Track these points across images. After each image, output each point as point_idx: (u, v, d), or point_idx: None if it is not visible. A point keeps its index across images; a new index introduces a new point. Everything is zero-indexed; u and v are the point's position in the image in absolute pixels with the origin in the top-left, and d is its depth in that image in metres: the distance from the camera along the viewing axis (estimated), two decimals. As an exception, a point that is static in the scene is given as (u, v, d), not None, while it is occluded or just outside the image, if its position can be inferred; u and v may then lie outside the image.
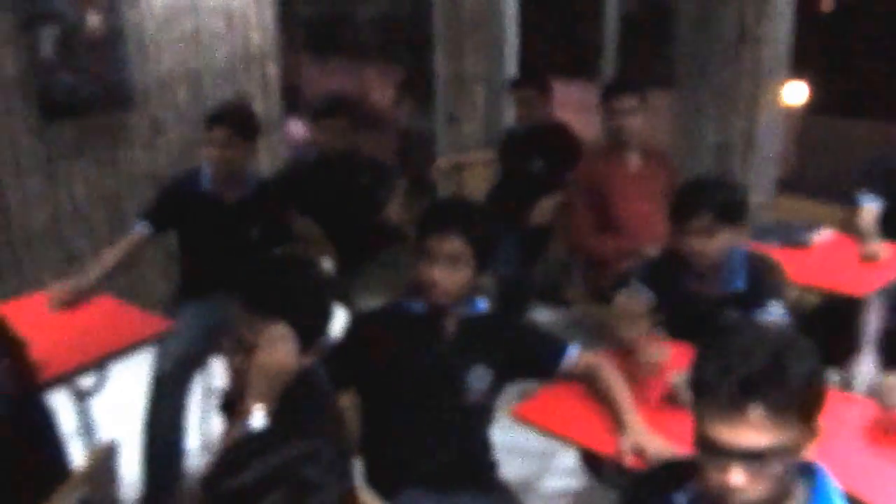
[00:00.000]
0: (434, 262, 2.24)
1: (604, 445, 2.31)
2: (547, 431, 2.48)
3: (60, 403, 2.60)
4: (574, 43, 4.86)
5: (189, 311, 3.43)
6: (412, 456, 2.38)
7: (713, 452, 1.46)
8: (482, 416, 2.48)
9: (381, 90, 5.41)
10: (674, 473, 1.64)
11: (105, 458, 2.35)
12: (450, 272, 2.25)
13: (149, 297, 4.79)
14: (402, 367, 2.34)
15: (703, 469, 1.49)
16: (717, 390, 1.44)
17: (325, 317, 2.01)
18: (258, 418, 1.81)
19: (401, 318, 2.38)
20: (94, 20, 4.29)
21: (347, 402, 2.65)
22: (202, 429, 3.71)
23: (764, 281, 2.76)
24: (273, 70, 5.21)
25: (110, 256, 3.46)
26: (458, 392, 2.36)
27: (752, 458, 1.42)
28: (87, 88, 4.33)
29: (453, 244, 2.24)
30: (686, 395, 2.38)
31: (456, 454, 2.42)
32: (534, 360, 2.49)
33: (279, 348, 1.86)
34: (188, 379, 3.31)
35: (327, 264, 3.69)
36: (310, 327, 1.92)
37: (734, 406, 1.42)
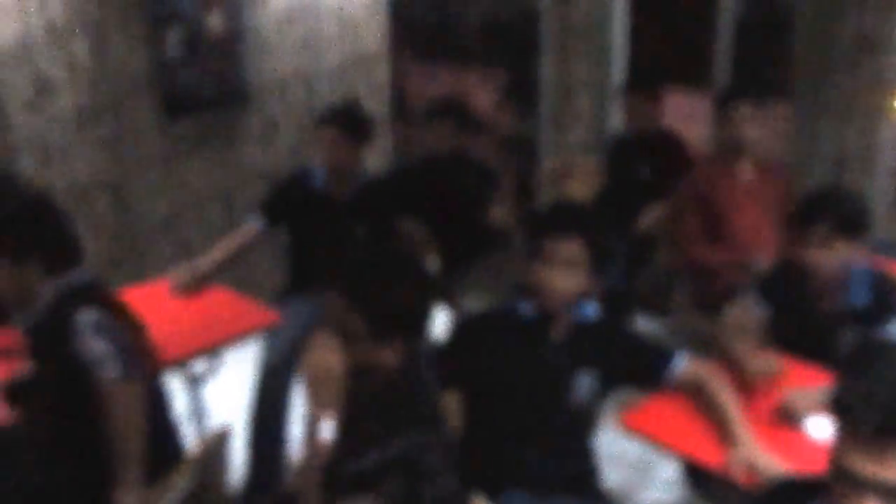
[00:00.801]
0: (550, 266, 2.23)
1: (711, 458, 2.27)
2: (653, 441, 2.46)
3: (173, 387, 2.70)
4: (685, 50, 4.77)
5: (296, 304, 3.51)
6: (514, 458, 2.38)
7: (851, 483, 1.39)
8: (586, 422, 2.47)
9: (483, 94, 5.43)
10: (797, 495, 1.59)
11: (217, 444, 2.43)
12: (565, 276, 2.25)
13: (259, 289, 4.93)
14: (509, 369, 2.35)
15: (837, 497, 1.43)
16: (860, 419, 1.37)
17: (407, 319, 2.01)
18: (326, 429, 1.84)
19: (509, 320, 2.39)
20: (216, 21, 4.44)
21: (451, 401, 2.68)
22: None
23: (888, 298, 2.67)
24: (383, 72, 5.30)
25: (225, 248, 3.58)
26: (564, 397, 2.36)
27: (893, 494, 1.36)
28: (208, 87, 4.49)
29: (571, 248, 2.23)
30: (800, 412, 2.32)
31: (558, 459, 2.41)
32: (641, 368, 2.46)
33: (324, 354, 1.89)
34: (294, 370, 3.39)
35: (432, 265, 3.73)
36: (384, 324, 1.93)
37: (878, 438, 1.35)
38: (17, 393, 2.40)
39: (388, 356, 1.92)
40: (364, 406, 1.95)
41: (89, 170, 4.18)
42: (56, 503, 2.19)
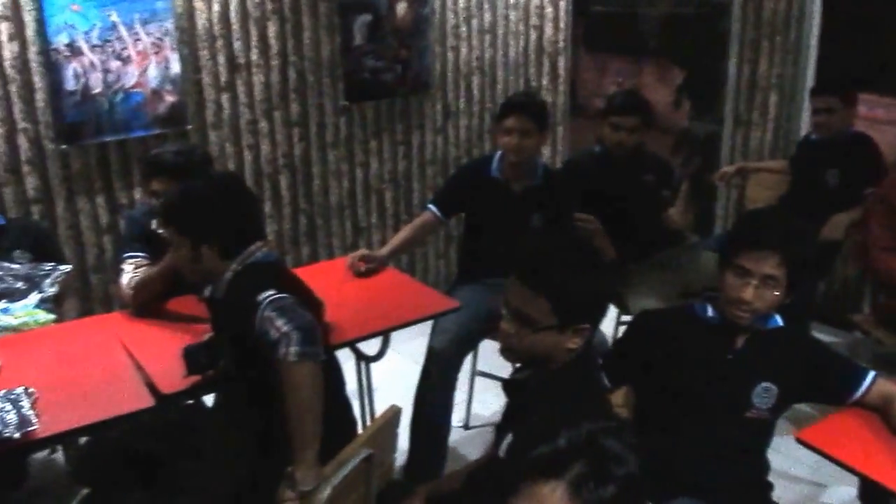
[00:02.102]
0: (747, 280, 2.16)
1: (892, 482, 2.13)
2: (830, 458, 2.33)
3: (344, 366, 2.77)
4: (881, 51, 4.48)
5: (467, 292, 3.53)
6: (684, 463, 2.32)
7: None
8: (762, 433, 2.37)
9: (660, 90, 5.28)
10: None
11: (389, 423, 2.48)
12: (761, 291, 2.17)
13: (426, 275, 5.03)
14: (686, 372, 2.29)
15: None
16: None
17: (594, 305, 1.97)
18: None
19: (690, 321, 2.32)
20: (402, 9, 4.53)
21: (620, 399, 2.63)
22: (466, 408, 3.84)
23: None
24: (564, 64, 5.27)
25: (402, 234, 3.67)
26: (741, 406, 2.27)
27: None
28: (390, 74, 4.59)
29: (770, 264, 2.15)
30: None
31: (731, 468, 2.33)
32: (828, 384, 2.34)
33: None
34: (460, 357, 3.42)
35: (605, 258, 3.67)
36: (573, 310, 1.90)
37: None
38: (196, 358, 2.52)
39: (573, 343, 1.90)
40: (538, 392, 1.94)
41: (274, 150, 4.37)
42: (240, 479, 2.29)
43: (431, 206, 3.70)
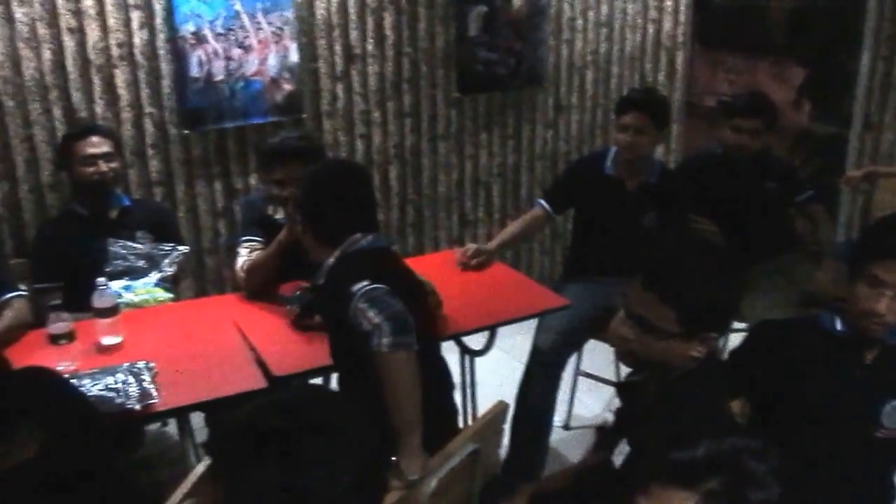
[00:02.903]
0: (880, 291, 2.05)
1: None
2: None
3: (449, 359, 2.76)
4: None
5: (575, 290, 3.48)
6: (803, 481, 2.22)
7: None
8: (890, 454, 2.26)
9: (777, 88, 5.09)
10: None
11: (496, 418, 2.47)
12: (894, 303, 2.06)
13: (530, 271, 4.99)
14: (810, 386, 2.19)
15: None
16: None
17: (722, 314, 1.91)
18: None
19: (815, 333, 2.22)
20: (518, 1, 4.50)
21: (736, 409, 2.55)
22: (567, 408, 3.80)
23: None
24: (681, 59, 5.14)
25: (511, 228, 3.65)
26: (868, 424, 2.16)
27: None
28: (503, 66, 4.57)
29: None
30: None
31: (856, 492, 2.22)
32: None
33: None
34: (565, 356, 3.38)
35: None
36: (700, 319, 1.83)
37: None
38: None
39: (697, 351, 1.85)
40: (660, 398, 1.90)
41: (386, 140, 4.40)
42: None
43: (542, 202, 3.67)
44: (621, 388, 2.09)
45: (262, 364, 2.59)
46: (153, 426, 3.56)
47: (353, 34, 4.14)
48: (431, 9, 4.32)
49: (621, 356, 1.99)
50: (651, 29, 5.05)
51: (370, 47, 4.21)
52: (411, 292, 2.46)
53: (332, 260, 2.39)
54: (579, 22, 4.80)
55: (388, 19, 4.21)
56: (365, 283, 2.21)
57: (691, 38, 5.15)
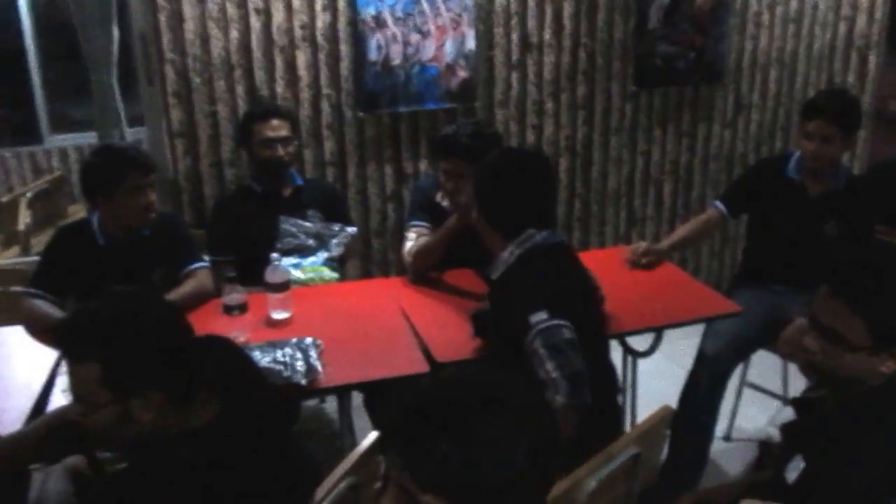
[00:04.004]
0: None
1: None
2: None
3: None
4: None
5: (747, 296, 3.31)
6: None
7: None
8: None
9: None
10: None
11: (661, 422, 2.38)
12: None
13: (697, 274, 4.81)
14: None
15: None
16: None
17: None
18: None
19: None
20: (703, -6, 4.33)
21: None
22: (730, 419, 3.63)
23: None
24: (874, 60, 4.81)
25: (684, 229, 3.51)
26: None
27: None
28: (683, 60, 4.40)
29: None
30: None
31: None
32: None
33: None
34: (732, 365, 3.23)
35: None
36: (891, 330, 1.70)
37: None
38: (483, 323, 2.52)
39: (886, 367, 1.71)
40: (843, 415, 1.77)
41: (557, 132, 4.33)
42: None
43: (718, 203, 3.51)
44: (798, 403, 1.97)
45: (425, 349, 2.59)
46: (310, 401, 3.65)
47: (531, 23, 4.09)
48: (612, -1, 4.22)
49: (803, 369, 1.88)
50: (843, 27, 4.74)
51: (547, 37, 4.14)
52: (585, 292, 2.39)
53: (506, 254, 2.36)
54: (765, 17, 4.56)
55: (568, 9, 4.13)
56: (543, 315, 2.17)
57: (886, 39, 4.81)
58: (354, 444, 3.02)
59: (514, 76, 4.14)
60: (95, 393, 1.52)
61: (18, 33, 5.61)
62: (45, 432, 1.81)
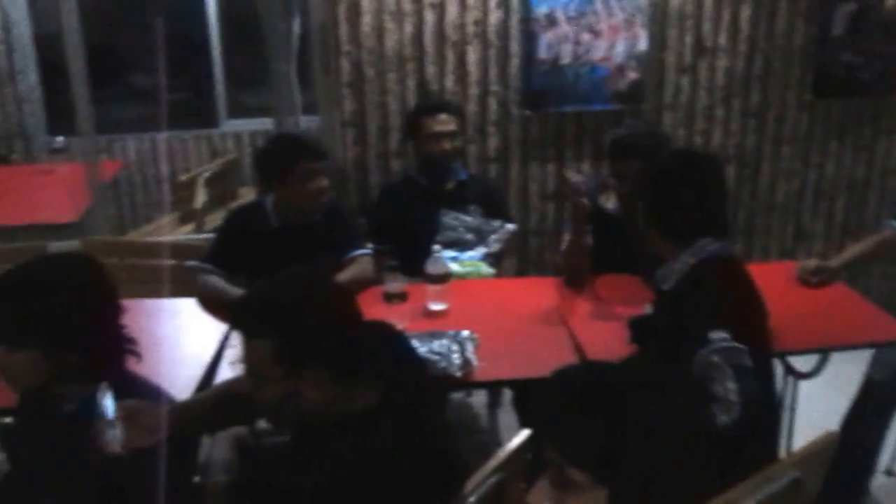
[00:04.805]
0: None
1: None
2: None
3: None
4: None
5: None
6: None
7: None
8: None
9: None
10: None
11: (825, 448, 2.27)
12: None
13: (866, 295, 4.55)
14: None
15: None
16: None
17: None
18: None
19: None
20: (892, 1, 4.09)
21: None
22: (893, 453, 3.43)
23: None
24: None
25: (858, 247, 3.33)
26: None
27: None
28: (868, 70, 4.17)
29: None
30: None
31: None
32: None
33: None
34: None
35: None
36: None
37: None
38: (639, 331, 2.48)
39: None
40: None
41: (726, 139, 4.20)
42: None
43: (893, 222, 3.31)
44: None
45: (580, 350, 2.57)
46: (456, 394, 3.69)
47: (706, 26, 3.99)
48: (793, 3, 4.04)
49: None
50: None
51: (722, 41, 4.03)
52: (757, 307, 2.31)
53: (678, 264, 2.29)
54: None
55: (746, 12, 4.00)
56: (724, 334, 2.09)
57: None
58: (498, 441, 3.06)
59: (685, 80, 4.05)
60: (267, 368, 1.59)
61: (203, 23, 5.93)
62: (216, 402, 1.91)
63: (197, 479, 2.10)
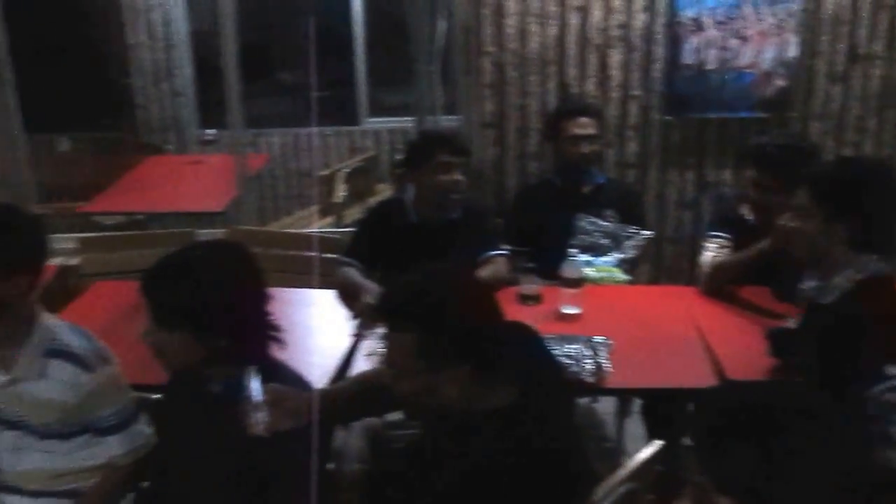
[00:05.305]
0: None
1: None
2: None
3: None
4: None
5: None
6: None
7: None
8: None
9: None
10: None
11: None
12: None
13: None
14: None
15: None
16: None
17: None
18: None
19: None
20: None
21: None
22: None
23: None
24: None
25: None
26: None
27: None
28: None
29: None
30: None
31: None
32: None
33: None
34: None
35: None
36: None
37: None
38: (780, 344, 2.39)
39: None
40: None
41: (878, 152, 4.01)
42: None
43: None
44: None
45: (716, 363, 2.50)
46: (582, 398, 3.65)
47: (862, 32, 3.81)
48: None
49: None
50: None
51: (878, 48, 3.84)
52: None
53: (841, 278, 2.16)
54: None
55: (902, 19, 3.81)
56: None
57: None
58: (624, 450, 3.01)
59: (837, 88, 3.88)
60: (409, 362, 1.62)
61: (348, 22, 6.09)
62: (356, 392, 1.96)
63: (331, 465, 2.16)
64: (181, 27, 5.86)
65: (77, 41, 5.86)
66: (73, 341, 2.01)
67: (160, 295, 1.76)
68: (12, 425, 2.03)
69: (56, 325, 2.04)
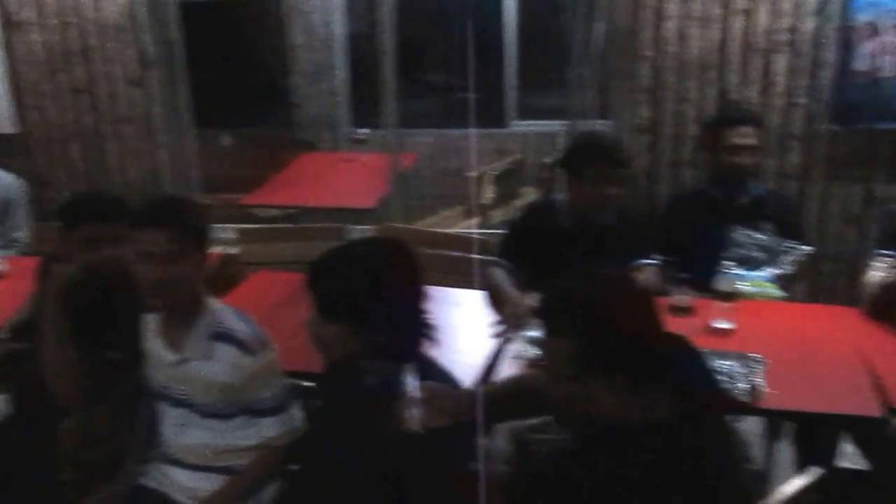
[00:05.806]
0: None
1: None
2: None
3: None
4: None
5: None
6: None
7: None
8: None
9: None
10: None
11: None
12: None
13: None
14: None
15: None
16: None
17: None
18: None
19: None
20: None
21: None
22: None
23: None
24: None
25: None
26: None
27: None
28: None
29: None
30: None
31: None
32: None
33: None
34: None
35: None
36: None
37: None
38: None
39: None
40: None
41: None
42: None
43: None
44: None
45: (881, 391, 2.36)
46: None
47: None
48: None
49: None
50: None
51: None
52: None
53: None
54: None
55: None
56: None
57: None
58: (769, 474, 2.88)
59: None
60: (566, 367, 1.60)
61: (499, 24, 6.08)
62: (508, 394, 1.96)
63: (474, 466, 2.17)
64: (338, 29, 6.02)
65: (242, 44, 6.13)
66: (238, 326, 2.10)
67: (325, 286, 1.81)
68: (178, 402, 2.15)
69: (222, 309, 2.14)
